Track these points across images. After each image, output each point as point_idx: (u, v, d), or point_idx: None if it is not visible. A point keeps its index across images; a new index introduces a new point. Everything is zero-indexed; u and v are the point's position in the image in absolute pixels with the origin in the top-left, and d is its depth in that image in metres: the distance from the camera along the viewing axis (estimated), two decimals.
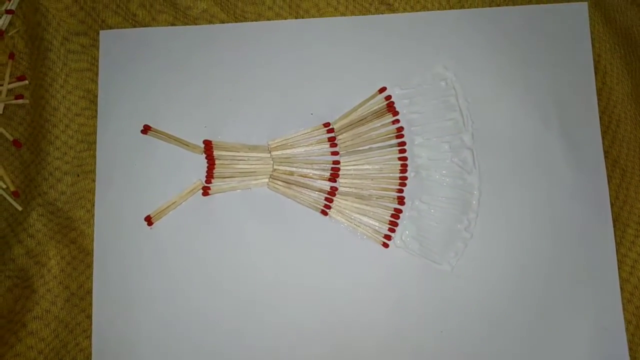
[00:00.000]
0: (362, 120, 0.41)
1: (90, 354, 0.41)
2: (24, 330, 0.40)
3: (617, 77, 0.41)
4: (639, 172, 0.40)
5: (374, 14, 0.42)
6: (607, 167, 0.40)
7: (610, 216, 0.40)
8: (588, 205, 0.40)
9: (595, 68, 0.41)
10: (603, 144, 0.41)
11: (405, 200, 0.41)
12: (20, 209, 0.41)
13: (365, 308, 0.40)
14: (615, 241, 0.40)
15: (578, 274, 0.37)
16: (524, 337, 0.38)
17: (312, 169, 0.41)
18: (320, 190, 0.41)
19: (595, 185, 0.40)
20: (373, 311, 0.40)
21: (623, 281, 0.39)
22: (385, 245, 0.40)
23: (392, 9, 0.42)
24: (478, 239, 0.40)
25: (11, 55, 0.43)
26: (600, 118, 0.41)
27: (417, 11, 0.42)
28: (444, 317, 0.39)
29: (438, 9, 0.42)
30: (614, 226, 0.40)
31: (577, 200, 0.40)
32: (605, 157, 0.40)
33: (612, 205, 0.40)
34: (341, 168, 0.41)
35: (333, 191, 0.41)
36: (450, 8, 0.42)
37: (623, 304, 0.39)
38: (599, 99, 0.41)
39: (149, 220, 0.41)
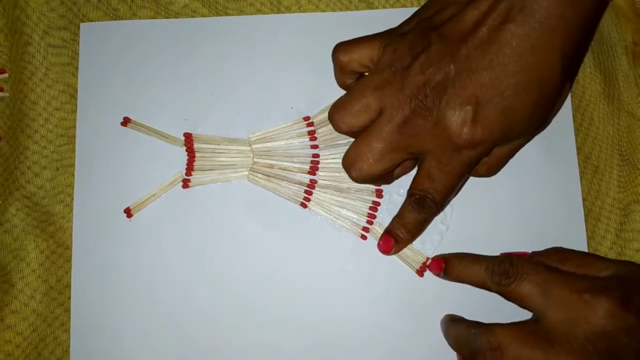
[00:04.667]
0: None
1: (68, 347, 0.40)
2: (1, 324, 0.40)
3: (590, 76, 0.42)
4: (610, 169, 0.41)
5: (353, 11, 0.43)
6: (579, 164, 0.41)
7: (582, 211, 0.41)
8: (561, 200, 0.41)
9: None
10: (576, 140, 0.42)
11: (383, 193, 0.41)
12: None
13: (344, 298, 0.40)
14: (587, 235, 0.41)
15: None
16: None
17: (292, 162, 0.42)
18: (300, 183, 0.41)
19: (568, 180, 0.41)
20: (351, 301, 0.40)
21: None
22: (364, 237, 0.41)
23: (371, 7, 0.43)
24: (454, 231, 0.41)
25: None
26: (574, 116, 0.42)
27: (395, 8, 0.43)
28: (421, 308, 0.40)
29: (417, 6, 0.43)
30: (586, 221, 0.41)
31: (551, 195, 0.41)
32: (578, 153, 0.41)
33: (584, 200, 0.41)
34: (320, 161, 0.42)
35: (312, 184, 0.41)
36: None
37: None
38: (572, 97, 0.42)
39: (128, 212, 0.41)
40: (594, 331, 0.32)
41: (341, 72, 0.38)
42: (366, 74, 0.37)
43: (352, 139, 0.37)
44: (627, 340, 0.32)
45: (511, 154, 0.38)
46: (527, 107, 0.32)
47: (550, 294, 0.33)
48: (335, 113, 0.36)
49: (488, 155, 0.36)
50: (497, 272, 0.35)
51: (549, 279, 0.34)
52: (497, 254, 0.39)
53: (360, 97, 0.35)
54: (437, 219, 0.41)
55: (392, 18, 0.42)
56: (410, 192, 0.36)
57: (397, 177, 0.39)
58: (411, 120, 0.33)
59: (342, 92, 0.41)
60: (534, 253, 0.38)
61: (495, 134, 0.33)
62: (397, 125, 0.34)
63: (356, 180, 0.36)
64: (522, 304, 0.35)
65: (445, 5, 0.34)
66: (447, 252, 0.40)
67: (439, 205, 0.36)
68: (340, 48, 0.37)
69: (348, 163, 0.36)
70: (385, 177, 0.37)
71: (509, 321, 0.35)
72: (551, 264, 0.36)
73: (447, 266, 0.38)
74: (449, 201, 0.40)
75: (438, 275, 0.39)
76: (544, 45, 0.31)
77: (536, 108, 0.33)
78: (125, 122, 0.42)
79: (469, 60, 0.32)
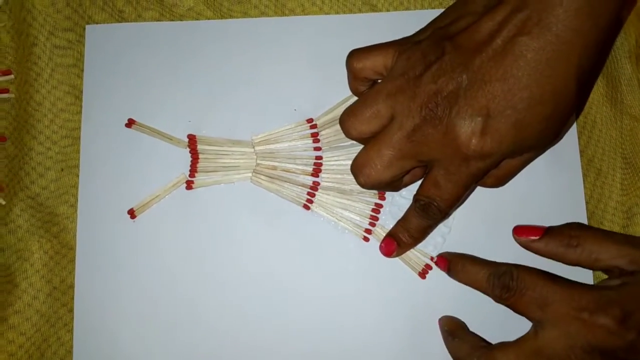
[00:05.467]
0: None
1: (71, 347, 0.41)
2: (4, 324, 0.40)
3: None
4: (613, 172, 0.41)
5: (357, 14, 0.43)
6: (582, 166, 0.41)
7: (585, 213, 0.41)
8: (564, 202, 0.41)
9: None
10: (579, 143, 0.41)
11: (385, 195, 0.41)
12: (3, 203, 0.41)
13: (346, 300, 0.40)
14: None
15: (554, 270, 0.37)
16: (502, 327, 0.39)
17: (295, 163, 0.42)
18: (303, 185, 0.41)
19: (571, 183, 0.41)
20: (353, 303, 0.40)
21: (596, 277, 0.40)
22: (366, 239, 0.41)
23: (375, 9, 0.43)
24: (456, 233, 0.41)
25: None
26: (577, 119, 0.42)
27: (399, 11, 0.43)
28: (423, 310, 0.40)
29: (420, 9, 0.43)
30: (589, 224, 0.41)
31: (554, 198, 0.41)
32: (581, 156, 0.41)
33: (587, 203, 0.41)
34: (323, 163, 0.42)
35: (315, 186, 0.41)
36: (432, 8, 0.43)
37: None
38: None
39: (132, 213, 0.42)
40: (592, 346, 0.32)
41: (354, 79, 0.38)
42: (379, 81, 0.37)
43: (355, 141, 0.37)
44: (626, 355, 0.32)
45: (520, 167, 0.38)
46: (539, 121, 0.32)
47: (548, 310, 0.33)
48: (347, 119, 0.36)
49: (497, 168, 0.36)
50: (498, 285, 0.35)
51: (548, 294, 0.34)
52: (500, 256, 0.39)
53: (372, 104, 0.35)
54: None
55: (395, 21, 0.43)
56: (416, 198, 0.36)
57: (406, 185, 0.39)
58: (421, 128, 0.33)
59: (346, 93, 0.41)
60: (549, 228, 0.37)
61: (505, 147, 0.33)
62: (407, 133, 0.34)
63: (364, 186, 0.36)
64: (521, 315, 0.35)
65: (461, 16, 0.34)
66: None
67: (444, 213, 0.36)
68: (354, 55, 0.37)
69: (356, 169, 0.36)
70: (394, 184, 0.37)
71: (509, 320, 0.35)
72: (561, 246, 0.36)
73: (450, 267, 0.38)
74: (455, 209, 0.40)
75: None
76: (560, 59, 0.31)
77: (549, 122, 0.33)
78: (130, 123, 0.42)
79: (482, 71, 0.32)
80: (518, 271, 0.35)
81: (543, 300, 0.34)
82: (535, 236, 0.37)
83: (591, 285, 0.35)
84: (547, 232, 0.37)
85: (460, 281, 0.38)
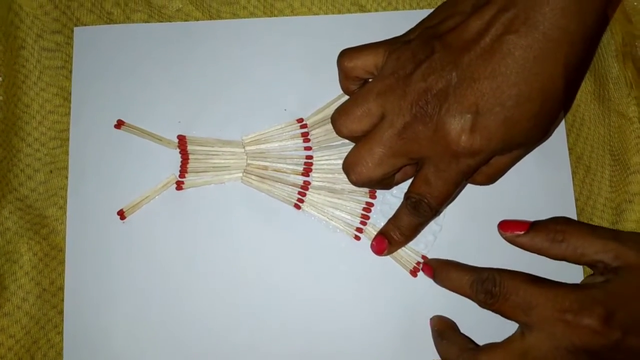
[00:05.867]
0: None
1: (61, 349, 0.40)
2: None
3: None
4: (602, 169, 0.42)
5: (345, 14, 0.44)
6: (571, 164, 0.42)
7: (575, 210, 0.41)
8: (554, 199, 0.41)
9: None
10: (568, 141, 0.42)
11: (376, 194, 0.42)
12: None
13: (337, 299, 0.40)
14: None
15: (544, 266, 0.38)
16: (494, 324, 0.39)
17: (286, 163, 0.42)
18: (294, 185, 0.41)
19: (560, 181, 0.41)
20: (344, 302, 0.40)
21: (586, 272, 0.40)
22: (357, 238, 0.41)
23: (363, 10, 0.44)
24: (447, 231, 0.41)
25: None
26: (565, 116, 0.42)
27: (387, 11, 0.43)
28: (414, 308, 0.40)
29: (409, 9, 0.43)
30: (578, 220, 0.41)
31: (544, 195, 0.41)
32: (570, 154, 0.42)
33: (576, 200, 0.41)
34: (314, 163, 0.42)
35: (306, 185, 0.42)
36: (420, 8, 0.43)
37: None
38: None
39: (121, 214, 0.41)
40: (577, 347, 0.33)
41: (346, 78, 0.38)
42: (370, 80, 0.37)
43: (346, 140, 0.38)
44: (611, 354, 0.33)
45: (510, 164, 0.38)
46: (528, 118, 0.33)
47: (533, 314, 0.34)
48: (338, 118, 0.36)
49: (487, 165, 0.37)
50: (481, 291, 0.35)
51: (532, 298, 0.34)
52: (491, 254, 0.40)
53: (363, 103, 0.35)
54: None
55: (384, 21, 0.43)
56: (407, 195, 0.37)
57: (397, 184, 0.39)
58: (412, 126, 0.34)
59: (335, 93, 0.41)
60: (534, 223, 0.37)
61: (494, 144, 0.33)
62: (398, 131, 0.34)
63: (356, 184, 0.36)
64: (507, 319, 0.35)
65: (450, 15, 0.34)
66: (440, 253, 0.41)
67: (435, 211, 0.36)
68: (345, 54, 0.37)
69: (348, 167, 0.36)
70: (385, 182, 0.37)
71: (501, 317, 0.35)
72: (546, 241, 0.36)
73: (435, 274, 0.39)
74: (446, 206, 0.40)
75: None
76: (547, 57, 0.31)
77: (537, 119, 0.33)
78: (119, 124, 0.42)
79: (471, 69, 0.32)
80: (501, 276, 0.35)
81: (527, 304, 0.34)
82: (521, 231, 0.37)
83: (575, 285, 0.35)
84: (532, 226, 0.37)
85: (445, 287, 0.38)
